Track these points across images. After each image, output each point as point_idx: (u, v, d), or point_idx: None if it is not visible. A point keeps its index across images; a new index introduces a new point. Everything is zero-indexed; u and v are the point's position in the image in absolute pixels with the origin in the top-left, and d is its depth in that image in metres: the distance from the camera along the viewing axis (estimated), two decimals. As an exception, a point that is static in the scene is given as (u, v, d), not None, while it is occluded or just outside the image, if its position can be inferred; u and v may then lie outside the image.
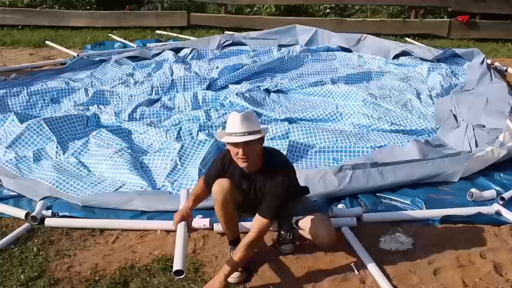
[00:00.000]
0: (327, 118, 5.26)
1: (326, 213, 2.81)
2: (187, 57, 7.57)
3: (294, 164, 3.13)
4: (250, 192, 2.77)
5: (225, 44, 8.19)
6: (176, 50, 7.80)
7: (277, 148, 3.81)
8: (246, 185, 2.76)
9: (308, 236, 2.71)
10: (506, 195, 3.64)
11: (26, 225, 3.29)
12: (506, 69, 7.58)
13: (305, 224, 2.70)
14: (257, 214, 2.63)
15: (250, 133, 2.51)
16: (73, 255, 3.04)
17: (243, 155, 2.54)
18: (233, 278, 2.75)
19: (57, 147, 4.39)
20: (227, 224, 2.86)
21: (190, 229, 2.84)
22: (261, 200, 2.68)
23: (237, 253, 2.61)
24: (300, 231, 2.79)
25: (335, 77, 6.56)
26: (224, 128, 4.73)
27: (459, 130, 4.60)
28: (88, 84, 6.33)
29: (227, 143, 2.59)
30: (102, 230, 3.30)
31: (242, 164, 2.59)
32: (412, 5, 10.23)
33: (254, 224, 2.64)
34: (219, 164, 2.81)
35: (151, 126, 4.94)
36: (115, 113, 5.27)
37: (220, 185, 2.68)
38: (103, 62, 7.28)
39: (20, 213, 3.40)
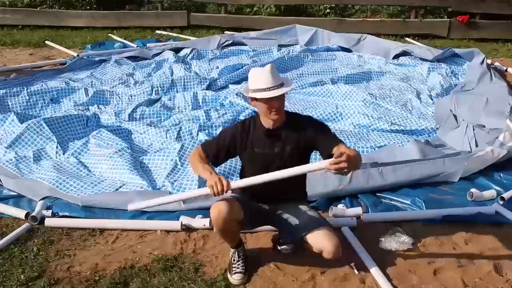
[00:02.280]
0: (327, 118, 5.26)
1: (331, 226, 2.78)
2: (187, 57, 7.57)
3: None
4: (275, 153, 2.68)
5: (225, 44, 8.19)
6: (176, 50, 7.81)
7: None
8: (271, 145, 2.67)
9: (314, 250, 2.70)
10: (506, 195, 3.65)
11: (26, 225, 3.29)
12: (506, 69, 7.58)
13: (311, 239, 2.68)
14: (335, 148, 2.53)
15: (282, 85, 2.52)
16: (73, 255, 3.04)
17: (278, 108, 2.54)
18: (237, 280, 2.75)
19: (57, 147, 4.38)
20: (227, 240, 2.83)
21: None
22: (287, 158, 2.65)
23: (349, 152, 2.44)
24: (305, 244, 2.77)
25: (335, 77, 6.56)
26: (222, 126, 4.82)
27: (459, 130, 4.60)
28: (88, 84, 6.33)
29: (257, 99, 2.56)
30: (102, 230, 3.30)
31: (274, 117, 2.58)
32: (412, 5, 10.23)
33: (341, 148, 2.49)
34: (238, 129, 2.70)
35: (151, 126, 4.94)
36: (115, 113, 5.27)
37: (218, 210, 2.57)
38: (103, 62, 7.29)
39: (20, 213, 3.40)
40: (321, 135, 2.66)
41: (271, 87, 2.50)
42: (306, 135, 2.66)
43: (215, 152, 2.76)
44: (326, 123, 4.98)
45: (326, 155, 2.58)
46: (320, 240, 2.63)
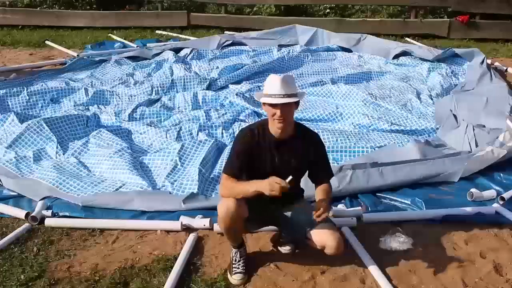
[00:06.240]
0: (327, 118, 5.26)
1: (333, 222, 2.81)
2: (187, 57, 7.57)
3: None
4: (281, 162, 2.73)
5: (225, 44, 8.19)
6: (176, 50, 7.81)
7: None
8: (279, 155, 2.72)
9: (317, 247, 2.72)
10: (506, 195, 3.65)
11: (26, 225, 3.29)
12: (506, 69, 7.59)
13: (314, 235, 2.71)
14: (323, 183, 2.82)
15: (288, 95, 2.57)
16: (73, 255, 3.04)
17: (280, 116, 2.58)
18: (237, 280, 2.76)
19: (57, 147, 4.38)
20: (231, 238, 2.84)
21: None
22: (290, 170, 2.67)
23: (326, 201, 2.71)
24: (308, 241, 2.79)
25: (335, 77, 6.56)
26: (224, 128, 4.83)
27: (459, 130, 4.60)
28: (88, 84, 6.32)
29: (265, 104, 2.63)
30: (102, 230, 3.30)
31: (278, 125, 2.63)
32: (412, 5, 10.24)
33: (325, 188, 2.80)
34: (249, 138, 2.71)
35: (151, 126, 4.94)
36: (115, 113, 5.27)
37: (226, 207, 2.60)
38: (103, 62, 7.28)
39: (20, 213, 3.40)
40: (321, 159, 2.84)
41: (278, 94, 2.55)
42: (310, 154, 2.78)
43: (240, 168, 2.72)
44: (326, 123, 5.13)
45: (313, 177, 2.88)
46: (323, 236, 2.68)
